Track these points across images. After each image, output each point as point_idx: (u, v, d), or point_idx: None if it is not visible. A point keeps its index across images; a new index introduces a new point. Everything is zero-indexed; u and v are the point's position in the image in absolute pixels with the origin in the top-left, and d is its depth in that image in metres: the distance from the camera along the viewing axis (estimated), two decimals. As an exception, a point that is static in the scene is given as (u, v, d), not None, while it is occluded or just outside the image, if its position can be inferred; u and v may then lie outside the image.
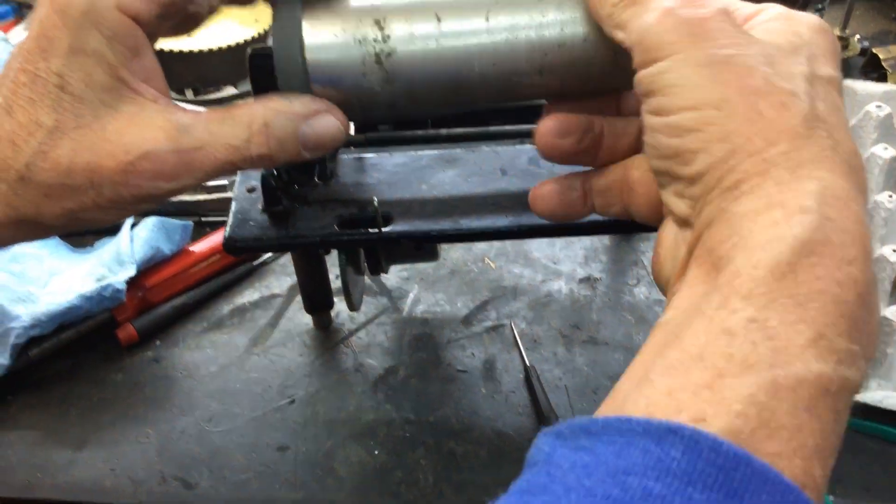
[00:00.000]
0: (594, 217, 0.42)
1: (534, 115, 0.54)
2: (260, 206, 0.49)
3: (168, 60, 0.90)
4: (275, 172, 0.49)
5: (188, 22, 0.41)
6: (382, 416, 0.65)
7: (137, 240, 0.72)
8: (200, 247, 0.75)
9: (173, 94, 0.91)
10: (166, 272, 0.73)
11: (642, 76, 0.33)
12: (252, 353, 0.70)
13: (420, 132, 0.55)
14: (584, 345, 0.69)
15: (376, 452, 0.63)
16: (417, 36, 0.37)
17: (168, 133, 0.37)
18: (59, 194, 0.37)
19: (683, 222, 0.34)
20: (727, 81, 0.31)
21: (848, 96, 0.85)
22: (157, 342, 0.72)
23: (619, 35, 0.35)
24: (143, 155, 0.37)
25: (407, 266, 0.76)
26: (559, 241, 0.78)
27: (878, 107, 0.78)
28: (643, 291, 0.73)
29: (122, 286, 0.68)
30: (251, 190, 0.50)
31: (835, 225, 0.29)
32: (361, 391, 0.67)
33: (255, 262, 0.76)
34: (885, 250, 0.66)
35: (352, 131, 0.56)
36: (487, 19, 0.37)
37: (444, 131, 0.54)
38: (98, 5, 0.36)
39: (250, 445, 0.64)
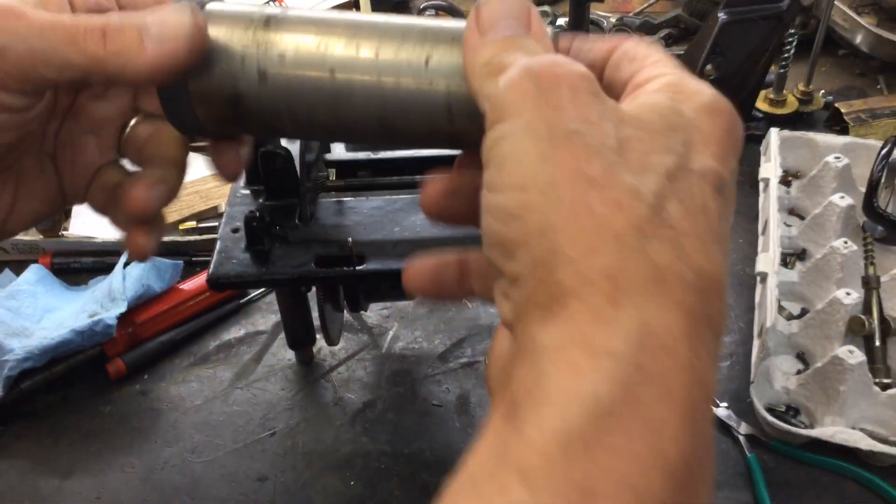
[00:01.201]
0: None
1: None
2: (243, 245, 0.53)
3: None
4: (257, 214, 0.52)
5: None
6: (359, 449, 0.68)
7: (129, 278, 0.76)
8: (189, 285, 0.78)
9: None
10: (156, 309, 0.77)
11: (484, 141, 0.27)
12: (236, 387, 0.73)
13: (396, 178, 0.58)
14: (555, 381, 0.72)
15: (352, 483, 0.65)
16: (297, 58, 0.32)
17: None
18: None
19: (511, 330, 0.27)
20: (561, 162, 0.25)
21: (810, 148, 0.89)
22: (146, 376, 0.75)
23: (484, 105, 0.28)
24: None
25: (388, 304, 0.79)
26: (533, 283, 0.81)
27: (837, 158, 0.83)
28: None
29: (113, 321, 0.72)
30: (235, 230, 0.53)
31: (646, 376, 0.23)
32: (340, 424, 0.70)
33: (242, 300, 0.79)
34: (839, 293, 0.69)
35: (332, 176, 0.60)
36: (377, 56, 0.31)
37: (418, 177, 0.58)
38: None
39: (231, 476, 0.66)
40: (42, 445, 0.69)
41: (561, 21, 1.08)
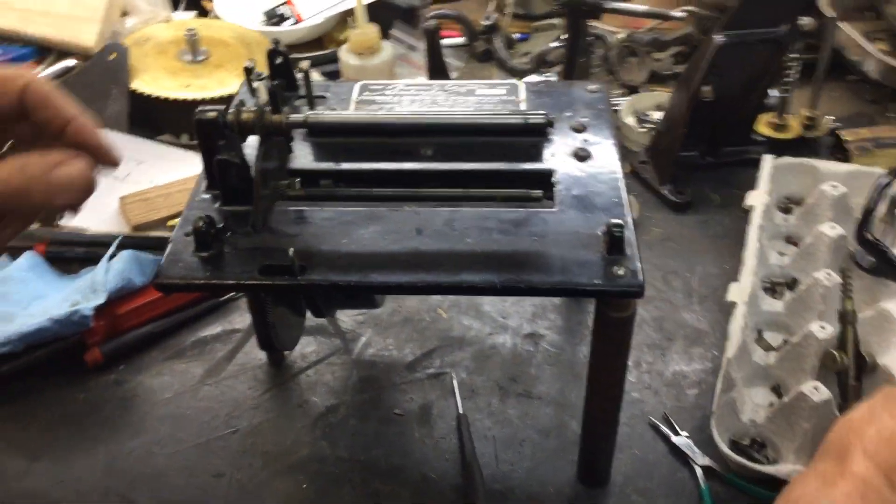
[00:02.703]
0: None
1: (465, 180, 0.58)
2: (192, 249, 0.54)
3: (165, 107, 0.96)
4: (208, 219, 0.53)
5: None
6: (317, 452, 0.69)
7: (112, 270, 0.78)
8: (172, 280, 0.80)
9: (170, 138, 0.97)
10: (136, 302, 0.79)
11: None
12: (206, 383, 0.75)
13: (355, 190, 0.59)
14: (519, 397, 0.72)
15: (304, 486, 0.66)
16: None
17: None
18: None
19: None
20: None
21: (812, 175, 0.88)
22: (122, 366, 0.77)
23: None
24: None
25: (363, 311, 0.80)
26: (511, 297, 0.81)
27: (833, 186, 0.81)
28: (584, 350, 0.76)
29: (90, 313, 0.74)
30: (188, 234, 0.54)
31: None
32: (301, 426, 0.71)
33: (222, 299, 0.81)
34: (814, 326, 0.68)
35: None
36: None
37: (376, 190, 0.59)
38: None
39: (190, 469, 0.68)
40: (15, 428, 0.72)
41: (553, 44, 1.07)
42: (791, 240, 0.84)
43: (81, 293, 0.77)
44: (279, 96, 0.57)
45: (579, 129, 0.63)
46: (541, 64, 1.10)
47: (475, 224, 0.55)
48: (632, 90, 1.09)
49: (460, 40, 1.18)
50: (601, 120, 0.65)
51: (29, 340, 0.73)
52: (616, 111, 1.02)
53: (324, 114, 0.62)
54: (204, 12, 1.19)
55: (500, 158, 0.60)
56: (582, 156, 0.61)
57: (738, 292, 0.71)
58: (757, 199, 0.81)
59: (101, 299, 0.75)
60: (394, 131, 0.60)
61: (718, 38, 0.86)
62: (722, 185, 0.94)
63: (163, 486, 0.67)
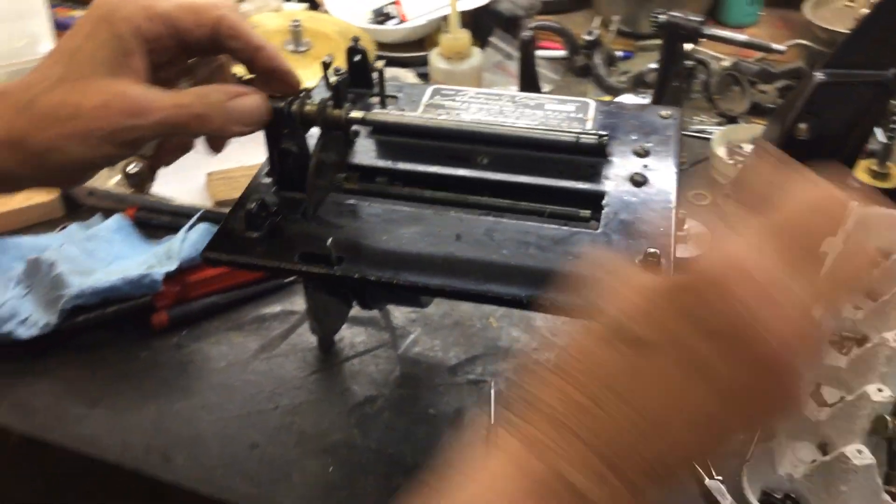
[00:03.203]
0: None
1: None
2: (243, 227, 0.56)
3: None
4: (262, 202, 0.56)
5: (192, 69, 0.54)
6: (348, 439, 0.71)
7: (188, 241, 0.82)
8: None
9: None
10: (206, 273, 0.83)
11: None
12: (257, 358, 0.78)
13: (407, 190, 0.61)
14: (553, 416, 0.72)
15: (330, 470, 0.68)
16: None
17: (137, 88, 0.49)
18: (48, 122, 0.48)
19: None
20: None
21: None
22: (184, 331, 0.81)
23: None
24: (117, 94, 0.48)
25: (417, 310, 0.82)
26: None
27: (920, 243, 0.76)
28: (628, 378, 0.74)
29: (160, 277, 0.78)
30: (241, 213, 0.57)
31: None
32: (338, 412, 0.73)
33: (285, 280, 0.84)
34: (870, 388, 0.64)
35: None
36: None
37: (426, 192, 0.60)
38: (113, 17, 0.49)
39: (229, 437, 0.71)
40: (80, 375, 0.77)
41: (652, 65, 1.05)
42: (871, 295, 0.80)
43: (157, 258, 0.82)
44: (343, 92, 0.59)
45: (642, 154, 0.62)
46: (638, 84, 1.09)
47: (515, 237, 0.55)
48: (730, 120, 1.05)
49: (561, 53, 1.17)
50: (667, 147, 0.63)
51: (102, 296, 0.78)
52: (708, 140, 0.99)
53: (383, 113, 0.64)
54: (314, 5, 1.23)
55: (555, 175, 0.60)
56: (638, 181, 0.60)
57: (792, 340, 0.68)
58: (829, 246, 0.77)
59: (172, 266, 0.80)
60: (449, 137, 0.61)
61: (819, 75, 0.82)
62: (807, 229, 0.89)
63: (200, 449, 0.70)
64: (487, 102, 0.68)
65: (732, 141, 0.99)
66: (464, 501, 0.34)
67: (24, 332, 0.77)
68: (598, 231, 0.56)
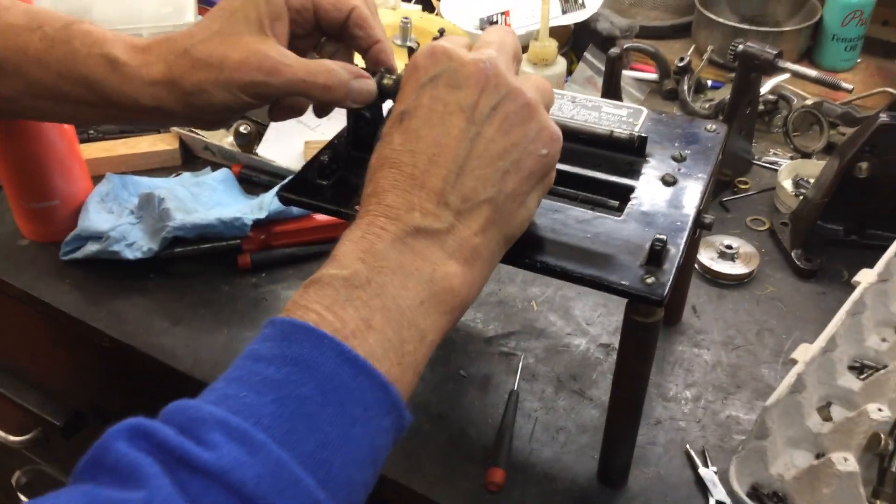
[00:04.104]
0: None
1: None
2: (316, 175, 0.66)
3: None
4: (334, 155, 0.65)
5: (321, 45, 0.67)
6: (385, 384, 0.79)
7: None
8: (322, 218, 0.94)
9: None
10: (290, 226, 0.93)
11: None
12: (320, 305, 0.87)
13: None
14: (572, 393, 0.78)
15: (364, 406, 0.77)
16: None
17: (275, 50, 0.59)
18: (199, 68, 0.59)
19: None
20: None
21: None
22: (263, 274, 0.92)
23: None
24: (256, 53, 0.58)
25: (468, 284, 0.89)
26: (603, 308, 0.86)
27: (960, 288, 0.78)
28: (650, 372, 0.80)
29: (249, 223, 0.89)
30: (317, 164, 0.67)
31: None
32: (380, 361, 0.81)
33: (356, 242, 0.94)
34: (870, 406, 0.67)
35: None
36: None
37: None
38: None
39: (283, 367, 0.81)
40: (169, 297, 0.89)
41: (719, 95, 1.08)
42: (901, 330, 0.82)
43: (250, 208, 0.93)
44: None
45: (679, 159, 0.68)
46: (720, 111, 1.13)
47: (544, 213, 0.62)
48: (804, 156, 1.08)
49: (652, 76, 1.23)
50: (704, 156, 0.69)
51: (199, 231, 0.90)
52: (775, 171, 1.03)
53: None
54: (431, 8, 1.34)
55: (595, 168, 0.67)
56: (669, 181, 0.66)
57: (802, 352, 0.72)
58: (865, 277, 0.80)
59: (262, 215, 0.91)
60: (503, 121, 0.69)
61: (883, 116, 0.85)
62: (857, 266, 0.91)
63: (258, 372, 0.80)
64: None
65: (800, 174, 1.02)
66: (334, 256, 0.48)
67: (130, 254, 0.90)
68: (620, 218, 0.62)
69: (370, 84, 0.61)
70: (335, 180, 0.66)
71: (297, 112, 0.66)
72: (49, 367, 1.10)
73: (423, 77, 0.52)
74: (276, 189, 0.95)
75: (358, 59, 0.67)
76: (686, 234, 0.61)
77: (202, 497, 0.37)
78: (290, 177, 0.67)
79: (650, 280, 0.56)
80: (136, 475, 0.37)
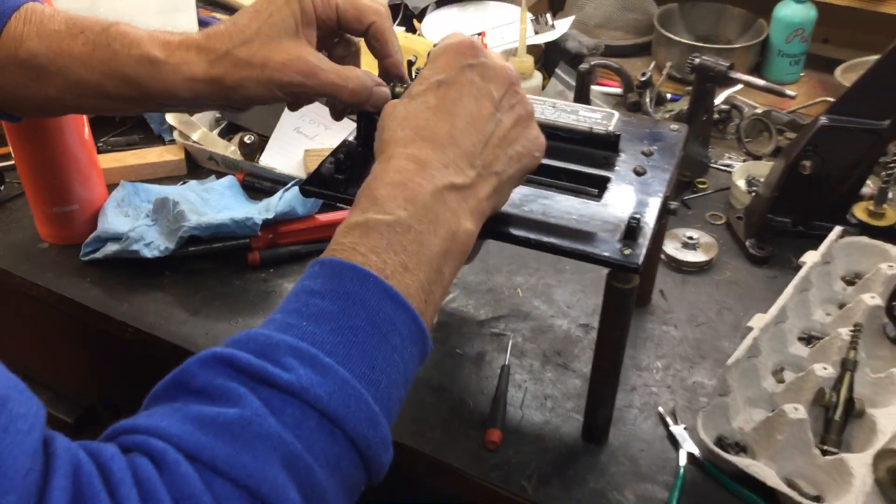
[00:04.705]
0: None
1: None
2: (332, 170, 0.75)
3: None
4: (348, 152, 0.75)
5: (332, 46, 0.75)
6: (389, 362, 0.88)
7: (283, 199, 1.02)
8: (324, 217, 1.03)
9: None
10: (295, 226, 1.02)
11: None
12: (325, 296, 0.96)
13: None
14: (557, 367, 0.87)
15: (372, 381, 0.85)
16: None
17: (313, 55, 0.67)
18: (240, 67, 0.67)
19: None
20: None
21: (881, 256, 0.95)
22: (271, 270, 1.00)
23: None
24: (297, 57, 0.67)
25: (458, 275, 0.98)
26: (581, 293, 0.96)
27: (890, 266, 0.89)
28: (625, 347, 0.89)
29: (259, 222, 0.98)
30: (332, 161, 0.76)
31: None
32: (384, 342, 0.90)
33: (356, 239, 1.02)
34: (817, 366, 0.78)
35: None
36: None
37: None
38: None
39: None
40: (186, 291, 0.97)
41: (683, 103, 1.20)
42: (842, 306, 0.93)
43: (258, 210, 1.02)
44: (418, 80, 0.77)
45: (648, 154, 0.79)
46: (679, 119, 1.25)
47: (535, 199, 0.72)
48: (755, 159, 1.20)
49: (617, 90, 1.34)
50: (670, 151, 0.79)
51: (212, 231, 0.98)
52: (730, 172, 1.14)
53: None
54: (413, 29, 1.44)
55: (577, 162, 0.77)
56: (640, 172, 0.76)
57: (757, 321, 0.82)
58: (809, 257, 0.91)
59: (270, 215, 0.99)
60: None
61: (822, 119, 0.97)
62: (803, 252, 1.03)
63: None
64: (536, 105, 0.85)
65: (752, 174, 1.13)
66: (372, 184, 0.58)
67: (148, 253, 0.97)
68: (600, 202, 0.72)
69: (387, 92, 0.70)
70: (349, 175, 0.75)
71: (310, 102, 0.76)
72: (62, 367, 1.17)
73: (463, 60, 0.62)
74: (281, 192, 1.03)
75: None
76: (656, 213, 0.71)
77: (284, 411, 0.45)
78: (310, 173, 0.75)
79: (627, 251, 0.66)
80: (226, 395, 0.45)
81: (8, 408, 0.38)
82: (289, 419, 0.45)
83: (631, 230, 0.67)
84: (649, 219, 0.69)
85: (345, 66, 0.69)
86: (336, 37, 0.75)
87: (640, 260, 0.66)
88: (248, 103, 0.70)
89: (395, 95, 0.71)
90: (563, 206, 0.71)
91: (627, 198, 0.72)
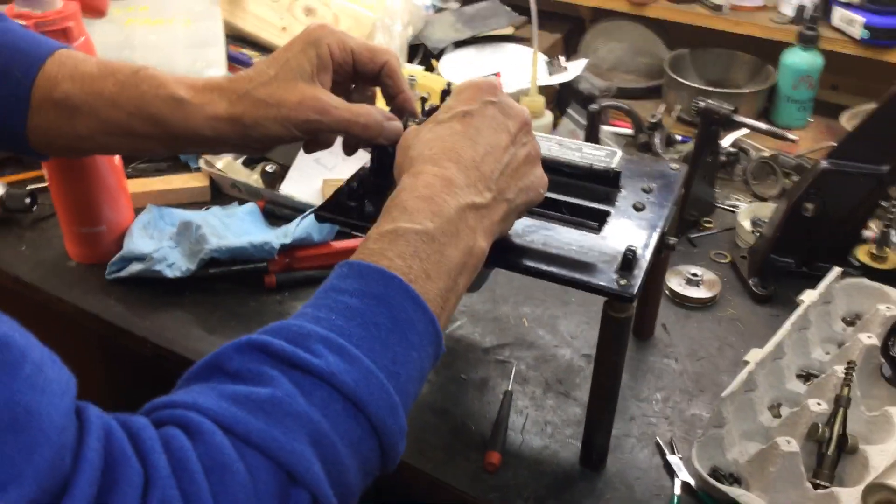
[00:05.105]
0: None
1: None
2: (346, 198, 0.79)
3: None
4: (360, 181, 0.79)
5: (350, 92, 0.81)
6: (395, 385, 0.91)
7: (300, 226, 1.06)
8: (339, 244, 1.07)
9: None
10: (311, 252, 1.06)
11: None
12: (337, 320, 1.00)
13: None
14: (558, 395, 0.90)
15: (378, 402, 0.88)
16: None
17: (326, 95, 0.73)
18: (259, 106, 0.72)
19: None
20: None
21: (881, 298, 0.97)
22: (286, 293, 1.04)
23: None
24: (310, 97, 0.72)
25: (465, 303, 1.02)
26: (585, 325, 0.99)
27: (888, 308, 0.92)
28: (623, 378, 0.92)
29: (276, 247, 1.02)
30: (345, 189, 0.80)
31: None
32: (391, 366, 0.93)
33: (369, 267, 1.06)
34: (811, 402, 0.80)
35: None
36: None
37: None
38: (319, 42, 0.73)
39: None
40: (204, 310, 1.01)
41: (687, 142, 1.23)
42: (842, 346, 0.95)
43: (276, 235, 1.06)
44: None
45: (647, 191, 0.82)
46: (687, 160, 1.28)
47: (537, 230, 0.76)
48: (762, 200, 1.23)
49: (628, 131, 1.38)
50: (668, 189, 0.83)
51: (232, 254, 1.02)
52: (735, 213, 1.17)
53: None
54: (431, 68, 1.49)
55: (579, 196, 0.80)
56: (639, 208, 0.79)
57: (753, 355, 0.85)
58: (808, 296, 0.93)
59: (286, 241, 1.03)
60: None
61: (824, 163, 1.00)
62: (806, 293, 1.05)
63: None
64: (542, 142, 0.89)
65: (757, 216, 1.16)
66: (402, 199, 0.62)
67: (170, 273, 1.02)
68: (599, 235, 0.75)
69: (399, 126, 0.75)
70: (361, 203, 0.79)
71: (326, 146, 0.81)
72: (81, 383, 1.20)
73: (485, 96, 0.68)
74: (299, 219, 1.08)
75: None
76: (652, 247, 0.74)
77: (313, 393, 0.49)
78: (325, 200, 0.79)
79: (623, 282, 0.69)
80: (259, 377, 0.50)
81: (44, 372, 0.43)
82: (317, 401, 0.50)
83: (627, 262, 0.70)
84: (645, 251, 0.72)
85: (357, 103, 0.74)
86: (353, 82, 0.80)
87: (635, 290, 0.69)
88: (266, 142, 0.75)
89: (406, 128, 0.76)
90: (564, 238, 0.75)
91: (626, 231, 0.76)
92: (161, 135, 0.76)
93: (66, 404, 0.43)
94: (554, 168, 0.81)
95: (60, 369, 0.45)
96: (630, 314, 0.71)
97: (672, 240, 0.81)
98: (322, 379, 0.50)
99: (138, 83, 0.75)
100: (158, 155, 1.19)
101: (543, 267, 0.71)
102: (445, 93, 0.90)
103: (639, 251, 0.71)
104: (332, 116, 0.72)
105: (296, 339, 0.52)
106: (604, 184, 0.82)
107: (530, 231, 0.76)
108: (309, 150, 0.81)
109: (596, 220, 0.78)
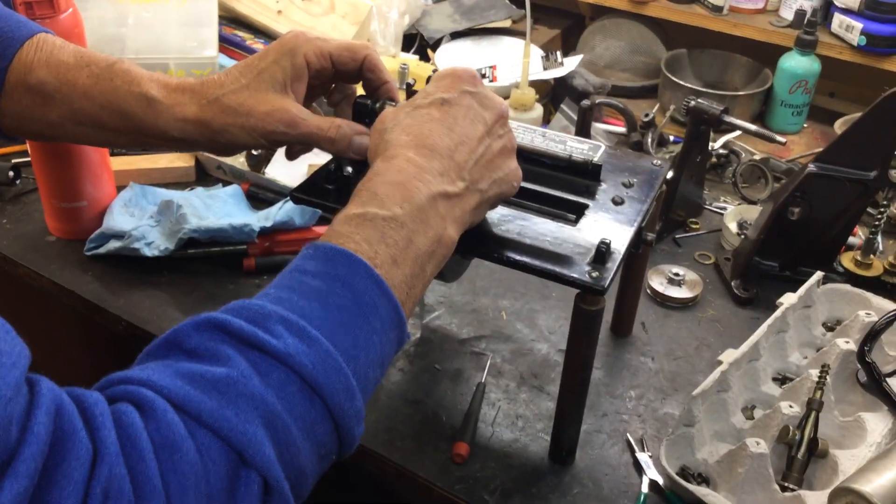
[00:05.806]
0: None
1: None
2: (324, 181, 0.78)
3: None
4: (338, 164, 0.78)
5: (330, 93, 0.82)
6: (368, 372, 0.90)
7: (282, 210, 1.05)
8: (320, 229, 1.06)
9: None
10: (291, 236, 1.05)
11: None
12: (314, 305, 0.99)
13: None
14: (532, 388, 0.89)
15: (349, 389, 0.87)
16: None
17: (295, 108, 0.72)
18: (227, 113, 0.71)
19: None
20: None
21: (862, 304, 0.96)
22: (265, 276, 1.03)
23: None
24: (279, 108, 0.71)
25: (445, 294, 1.01)
26: (564, 320, 0.98)
27: (868, 314, 0.91)
28: (598, 374, 0.91)
29: (256, 230, 1.01)
30: (323, 172, 0.79)
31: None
32: (366, 353, 0.92)
33: (349, 253, 1.05)
34: (783, 404, 0.79)
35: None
36: None
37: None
38: (295, 52, 0.73)
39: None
40: (181, 290, 1.00)
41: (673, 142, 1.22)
42: (820, 350, 0.94)
43: (257, 218, 1.05)
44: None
45: (628, 185, 0.81)
46: (675, 160, 1.27)
47: (513, 220, 0.75)
48: (750, 203, 1.22)
49: (621, 129, 1.37)
50: (650, 184, 0.82)
51: (211, 235, 1.01)
52: (722, 214, 1.16)
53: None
54: (426, 58, 1.49)
55: (559, 189, 0.79)
56: (618, 202, 0.78)
57: (727, 355, 0.84)
58: (787, 299, 0.92)
59: (267, 224, 1.03)
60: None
61: (811, 167, 0.99)
62: (789, 297, 1.04)
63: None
64: (525, 133, 0.88)
65: (743, 218, 1.15)
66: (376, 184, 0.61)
67: (148, 251, 1.01)
68: (576, 227, 0.74)
69: (367, 141, 0.73)
70: (338, 186, 0.79)
71: (306, 151, 0.82)
72: (61, 358, 1.20)
73: (464, 85, 0.68)
74: (281, 203, 1.07)
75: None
76: (628, 240, 0.73)
77: (270, 374, 0.49)
78: (302, 182, 0.79)
79: (595, 274, 0.68)
80: (216, 356, 0.49)
81: None
82: (273, 382, 0.49)
83: (600, 254, 0.69)
84: (619, 245, 0.72)
85: (326, 117, 0.74)
86: (333, 83, 0.80)
87: (607, 283, 0.68)
88: (232, 148, 0.75)
89: (374, 110, 0.76)
90: (540, 229, 0.74)
91: (602, 225, 0.75)
92: (130, 130, 0.76)
93: (14, 376, 0.42)
94: (534, 159, 0.80)
95: (13, 340, 0.44)
96: (601, 307, 0.70)
97: (650, 235, 0.81)
98: (279, 360, 0.49)
99: (112, 77, 0.75)
100: (127, 148, 1.18)
101: (516, 257, 0.71)
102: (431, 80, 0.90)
103: (613, 244, 0.70)
104: (299, 129, 0.72)
105: (255, 319, 0.51)
106: (584, 177, 0.81)
107: (506, 220, 0.75)
108: (291, 158, 0.84)
109: (574, 213, 0.77)
